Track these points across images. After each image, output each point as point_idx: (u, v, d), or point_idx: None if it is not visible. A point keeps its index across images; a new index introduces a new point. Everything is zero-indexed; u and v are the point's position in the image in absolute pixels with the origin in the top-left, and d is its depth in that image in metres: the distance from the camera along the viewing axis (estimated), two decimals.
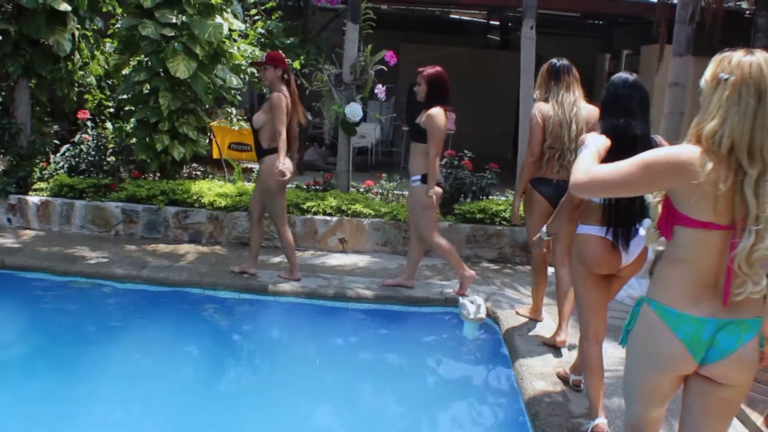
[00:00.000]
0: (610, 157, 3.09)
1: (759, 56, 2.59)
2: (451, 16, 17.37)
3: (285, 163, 6.60)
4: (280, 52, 7.43)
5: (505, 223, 8.12)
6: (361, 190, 9.22)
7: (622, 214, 4.05)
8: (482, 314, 6.15)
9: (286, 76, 6.77)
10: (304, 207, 8.33)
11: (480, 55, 16.70)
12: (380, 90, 8.82)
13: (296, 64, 10.46)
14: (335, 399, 5.22)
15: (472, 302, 6.20)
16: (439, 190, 6.44)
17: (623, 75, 4.15)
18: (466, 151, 8.75)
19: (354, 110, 8.68)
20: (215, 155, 10.66)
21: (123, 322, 6.50)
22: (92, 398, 4.99)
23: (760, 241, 2.56)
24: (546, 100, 5.53)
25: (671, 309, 2.74)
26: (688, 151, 2.63)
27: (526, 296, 6.71)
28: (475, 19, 17.74)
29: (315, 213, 8.34)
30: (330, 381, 5.49)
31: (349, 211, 8.32)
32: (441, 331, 6.43)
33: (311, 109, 13.60)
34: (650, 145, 3.69)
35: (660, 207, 2.82)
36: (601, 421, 4.11)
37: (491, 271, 7.74)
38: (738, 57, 2.61)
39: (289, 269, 6.98)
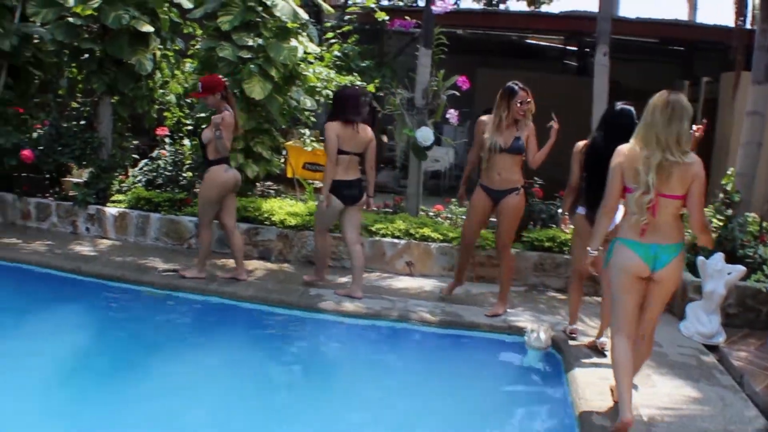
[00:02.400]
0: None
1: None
2: (528, 41, 17.31)
3: (229, 172, 7.36)
4: (217, 75, 7.74)
5: None
6: (431, 214, 9.24)
7: None
8: (545, 344, 6.11)
9: (225, 93, 7.28)
10: (373, 229, 8.39)
11: (556, 80, 16.57)
12: (452, 114, 8.85)
13: (371, 88, 10.57)
14: (395, 420, 5.24)
15: (536, 331, 6.16)
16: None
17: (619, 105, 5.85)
18: (536, 178, 8.69)
19: (425, 134, 8.72)
20: (289, 174, 10.81)
21: (185, 334, 6.70)
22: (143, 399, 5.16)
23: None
24: None
25: (632, 240, 4.55)
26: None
27: (591, 327, 6.63)
28: (552, 45, 17.64)
29: (383, 235, 8.39)
30: (389, 403, 5.51)
31: (417, 235, 8.34)
32: (503, 359, 6.41)
33: (385, 132, 13.78)
34: None
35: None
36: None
37: (557, 301, 7.66)
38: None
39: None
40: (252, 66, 8.65)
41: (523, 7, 20.47)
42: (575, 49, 17.49)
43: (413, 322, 6.68)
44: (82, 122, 10.12)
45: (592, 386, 5.31)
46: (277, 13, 8.71)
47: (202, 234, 7.54)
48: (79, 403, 5.07)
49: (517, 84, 6.65)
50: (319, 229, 7.38)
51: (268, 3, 8.80)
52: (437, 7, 8.71)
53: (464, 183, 7.09)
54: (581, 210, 6.02)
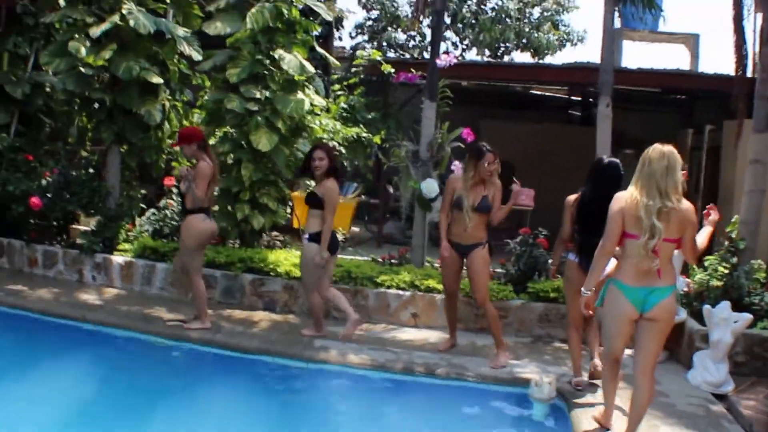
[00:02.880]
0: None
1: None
2: (533, 91, 17.46)
3: (206, 222, 7.48)
4: (193, 127, 8.12)
5: None
6: (436, 265, 9.25)
7: None
8: (549, 395, 6.08)
9: (203, 143, 7.47)
10: (378, 281, 8.40)
11: (560, 130, 16.70)
12: (456, 166, 8.90)
13: (377, 139, 10.67)
14: None
15: (540, 383, 6.14)
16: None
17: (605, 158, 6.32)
18: (540, 229, 8.71)
19: (430, 186, 8.77)
20: (295, 225, 10.87)
21: (189, 383, 6.72)
22: None
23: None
24: None
25: (624, 285, 4.88)
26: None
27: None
28: (556, 95, 17.79)
29: (388, 287, 8.39)
30: None
31: (422, 287, 8.35)
32: (509, 411, 6.35)
33: (391, 183, 13.84)
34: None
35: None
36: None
37: (563, 351, 7.62)
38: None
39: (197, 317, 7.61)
40: (259, 118, 8.78)
41: (527, 58, 20.72)
42: (579, 99, 17.64)
43: (417, 374, 6.67)
44: (91, 170, 10.23)
45: None
46: (285, 67, 8.84)
47: (195, 283, 7.57)
48: None
49: (485, 145, 7.04)
50: (312, 285, 7.35)
51: (276, 56, 8.94)
52: (441, 61, 8.84)
53: (445, 238, 7.17)
54: (573, 257, 6.42)
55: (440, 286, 8.26)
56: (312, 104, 9.26)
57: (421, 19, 15.80)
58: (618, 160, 6.26)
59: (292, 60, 8.86)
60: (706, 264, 7.93)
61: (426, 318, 8.29)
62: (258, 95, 8.86)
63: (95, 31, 8.98)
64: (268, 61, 9.03)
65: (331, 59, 10.18)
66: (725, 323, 6.63)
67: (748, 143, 8.62)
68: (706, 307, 6.85)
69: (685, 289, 7.62)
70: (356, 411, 6.39)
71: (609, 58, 9.25)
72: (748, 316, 6.66)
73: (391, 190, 13.86)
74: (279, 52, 8.93)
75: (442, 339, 7.70)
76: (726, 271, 7.70)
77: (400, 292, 8.33)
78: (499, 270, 8.69)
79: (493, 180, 7.06)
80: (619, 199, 4.92)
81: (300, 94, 9.06)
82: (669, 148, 4.83)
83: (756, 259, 7.90)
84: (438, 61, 8.87)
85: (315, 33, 9.98)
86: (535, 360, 7.20)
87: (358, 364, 6.78)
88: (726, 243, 7.98)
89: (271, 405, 6.36)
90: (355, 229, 14.01)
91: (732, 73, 10.82)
